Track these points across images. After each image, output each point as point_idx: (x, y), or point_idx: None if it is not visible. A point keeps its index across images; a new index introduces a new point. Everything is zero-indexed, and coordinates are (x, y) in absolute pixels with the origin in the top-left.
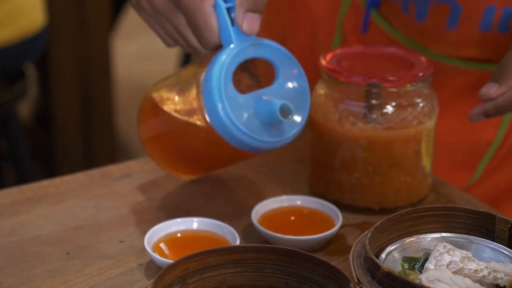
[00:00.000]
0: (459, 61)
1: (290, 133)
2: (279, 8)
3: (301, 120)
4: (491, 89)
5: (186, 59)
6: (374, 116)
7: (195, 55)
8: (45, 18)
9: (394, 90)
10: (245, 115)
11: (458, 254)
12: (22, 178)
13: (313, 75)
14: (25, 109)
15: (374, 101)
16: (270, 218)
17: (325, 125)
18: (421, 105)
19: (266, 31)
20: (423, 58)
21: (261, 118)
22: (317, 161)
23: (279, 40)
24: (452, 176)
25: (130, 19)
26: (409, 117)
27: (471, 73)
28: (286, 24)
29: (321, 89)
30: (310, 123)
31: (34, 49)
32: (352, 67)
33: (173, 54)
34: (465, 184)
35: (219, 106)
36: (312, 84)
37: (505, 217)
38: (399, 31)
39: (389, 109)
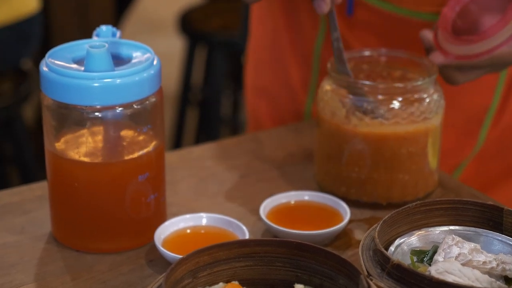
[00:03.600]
0: None
1: None
2: (271, 5)
3: None
4: None
5: (190, 61)
6: (381, 111)
7: None
8: (40, 4)
9: (400, 85)
10: None
11: (466, 247)
12: (27, 181)
13: (303, 68)
14: (29, 112)
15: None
16: (278, 213)
17: (332, 121)
18: (427, 100)
19: (259, 27)
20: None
21: None
22: (324, 157)
23: (272, 37)
24: (458, 144)
25: (134, 20)
26: (416, 112)
27: None
28: (277, 20)
29: (328, 85)
30: (317, 120)
31: (28, 35)
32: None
33: (176, 55)
34: (471, 152)
35: None
36: (302, 75)
37: None
38: (387, 1)
39: (396, 104)
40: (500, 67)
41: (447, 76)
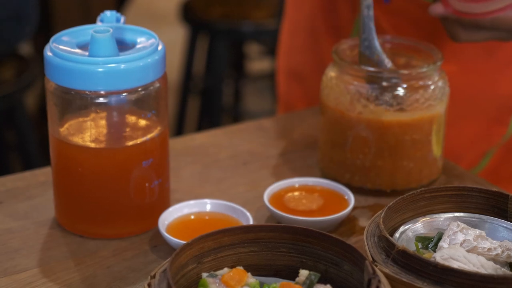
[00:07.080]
0: None
1: None
2: None
3: None
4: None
5: (192, 49)
6: (386, 98)
7: None
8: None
9: (405, 72)
10: None
11: (471, 233)
12: (29, 168)
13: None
14: (31, 100)
15: None
16: (282, 200)
17: (336, 108)
18: (432, 87)
19: (295, 12)
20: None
21: None
22: (328, 144)
23: (309, 22)
24: (488, 131)
25: (135, 9)
26: (420, 99)
27: None
28: (315, 5)
29: (332, 72)
30: (322, 106)
31: (22, 14)
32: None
33: (177, 47)
34: (500, 140)
35: None
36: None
37: None
38: None
39: (401, 91)
40: (505, 33)
41: (450, 32)
